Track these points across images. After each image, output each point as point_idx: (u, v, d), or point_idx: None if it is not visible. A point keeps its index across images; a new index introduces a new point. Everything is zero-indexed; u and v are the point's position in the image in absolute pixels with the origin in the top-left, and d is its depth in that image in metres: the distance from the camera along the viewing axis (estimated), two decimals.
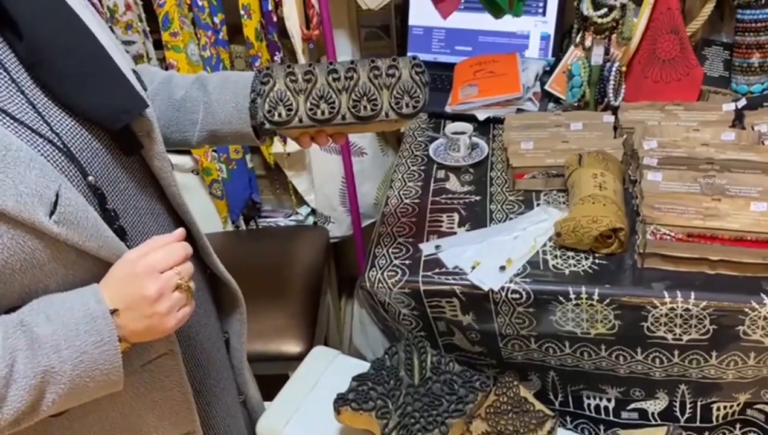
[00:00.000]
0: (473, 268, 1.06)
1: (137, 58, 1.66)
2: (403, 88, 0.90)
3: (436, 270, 1.08)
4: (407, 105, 0.90)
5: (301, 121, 0.88)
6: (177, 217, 0.83)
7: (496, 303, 1.05)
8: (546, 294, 1.03)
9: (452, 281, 1.06)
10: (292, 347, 1.39)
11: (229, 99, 0.89)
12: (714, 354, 1.03)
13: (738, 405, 1.10)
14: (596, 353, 1.07)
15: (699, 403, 1.10)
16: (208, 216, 1.75)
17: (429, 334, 1.14)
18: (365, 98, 0.89)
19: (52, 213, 0.60)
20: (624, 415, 1.15)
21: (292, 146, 1.71)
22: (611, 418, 1.16)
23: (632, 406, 1.13)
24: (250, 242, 1.74)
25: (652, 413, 1.13)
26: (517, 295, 1.03)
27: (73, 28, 0.69)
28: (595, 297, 1.01)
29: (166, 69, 1.71)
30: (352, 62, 0.91)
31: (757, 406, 1.11)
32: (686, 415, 1.11)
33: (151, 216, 0.78)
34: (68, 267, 0.65)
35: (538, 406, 0.95)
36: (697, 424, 1.12)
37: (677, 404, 1.11)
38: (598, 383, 1.12)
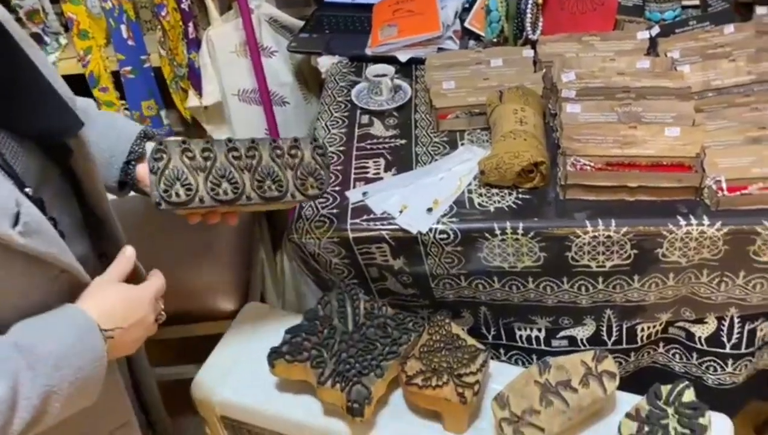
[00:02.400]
0: (401, 211, 1.06)
1: (32, 14, 1.54)
2: (306, 169, 0.91)
3: (364, 217, 1.07)
4: (312, 186, 0.91)
5: (202, 201, 0.84)
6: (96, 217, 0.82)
7: (425, 245, 1.05)
8: (473, 232, 1.03)
9: (381, 227, 1.05)
10: (226, 305, 1.36)
11: (106, 148, 0.86)
12: (636, 278, 1.06)
13: (660, 325, 1.16)
14: (524, 286, 1.10)
15: (624, 326, 1.14)
16: None
17: (362, 281, 1.14)
18: (270, 178, 0.88)
19: (14, 224, 0.59)
20: (554, 343, 1.18)
21: (209, 98, 1.65)
22: (542, 347, 1.19)
23: (562, 334, 1.17)
24: None
25: (581, 339, 1.17)
26: (445, 236, 1.03)
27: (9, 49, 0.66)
28: (520, 231, 1.02)
29: (65, 25, 1.61)
30: (252, 141, 0.89)
31: (678, 324, 1.16)
32: (613, 338, 1.16)
33: (76, 217, 0.78)
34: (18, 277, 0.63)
35: (470, 341, 0.97)
36: (624, 346, 1.17)
37: (604, 329, 1.15)
38: (527, 315, 1.15)
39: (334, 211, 1.08)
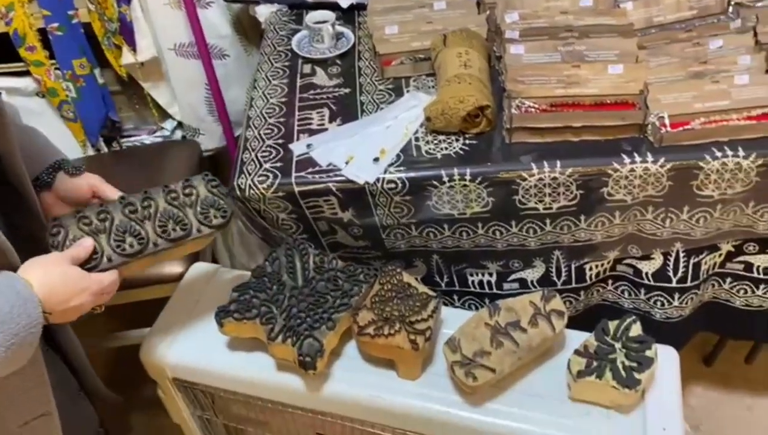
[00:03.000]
0: (347, 162, 1.03)
1: None
2: (205, 203, 0.92)
3: (310, 169, 1.04)
4: (215, 216, 0.91)
5: (110, 259, 0.85)
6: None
7: (373, 195, 1.03)
8: (421, 180, 1.02)
9: (327, 179, 1.03)
10: (173, 268, 1.33)
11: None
12: (582, 218, 1.07)
13: (608, 263, 1.17)
14: (474, 232, 1.09)
15: (573, 266, 1.16)
16: (64, 141, 1.60)
17: (311, 235, 1.12)
18: (172, 221, 0.89)
19: None
20: (505, 286, 1.19)
21: (145, 54, 1.58)
22: (494, 290, 1.20)
23: (512, 277, 1.18)
24: (114, 165, 1.62)
25: (531, 281, 1.18)
26: (393, 185, 1.02)
27: None
28: (468, 177, 1.01)
29: None
30: (145, 192, 0.91)
31: (626, 262, 1.18)
32: (562, 279, 1.17)
33: None
34: None
35: (422, 289, 0.97)
36: (573, 285, 1.18)
37: (553, 270, 1.16)
38: (478, 260, 1.16)
39: (278, 164, 1.06)
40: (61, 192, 0.89)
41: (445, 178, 1.02)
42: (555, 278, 1.17)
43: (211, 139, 1.73)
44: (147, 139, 1.72)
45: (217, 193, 0.93)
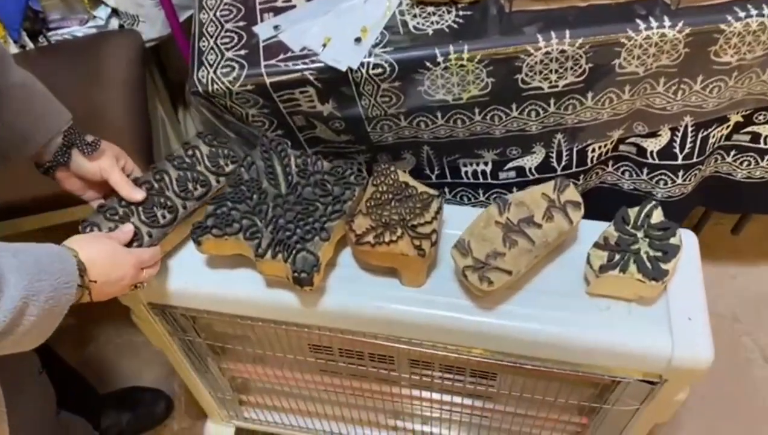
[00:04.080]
0: (324, 46, 0.89)
1: None
2: (212, 156, 0.90)
3: (281, 56, 0.89)
4: (226, 163, 0.90)
5: (150, 235, 0.83)
6: None
7: (357, 84, 0.90)
8: (411, 62, 0.89)
9: (302, 66, 0.88)
10: None
11: (19, 131, 0.77)
12: (590, 96, 0.96)
13: (611, 143, 1.09)
14: (470, 119, 0.98)
15: (575, 149, 1.07)
16: None
17: (286, 131, 0.99)
18: (190, 182, 0.88)
19: None
20: (502, 175, 1.10)
21: None
22: (489, 180, 1.11)
23: (509, 165, 1.09)
24: (43, 63, 1.41)
25: (529, 169, 1.09)
26: (380, 70, 0.88)
27: None
28: (465, 55, 0.89)
29: None
30: (153, 167, 0.89)
31: (629, 141, 1.09)
32: (563, 164, 1.09)
33: None
34: None
35: (421, 188, 0.86)
36: (573, 169, 1.10)
37: (554, 155, 1.07)
38: (473, 149, 1.05)
39: (243, 52, 0.90)
40: (74, 170, 0.83)
41: (440, 58, 0.88)
42: (555, 164, 1.08)
43: (152, 27, 1.52)
44: (78, 31, 1.50)
45: (218, 144, 0.90)
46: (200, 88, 0.89)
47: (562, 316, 0.82)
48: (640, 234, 0.82)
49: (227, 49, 0.91)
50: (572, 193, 0.84)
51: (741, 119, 1.08)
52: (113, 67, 1.36)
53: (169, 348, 1.05)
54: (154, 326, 0.98)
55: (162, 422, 1.40)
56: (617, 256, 0.80)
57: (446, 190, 1.14)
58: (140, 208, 0.85)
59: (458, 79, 0.91)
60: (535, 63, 0.90)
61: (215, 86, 0.89)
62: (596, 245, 0.82)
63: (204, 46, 0.92)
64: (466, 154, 1.06)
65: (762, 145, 1.12)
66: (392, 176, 0.87)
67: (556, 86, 0.94)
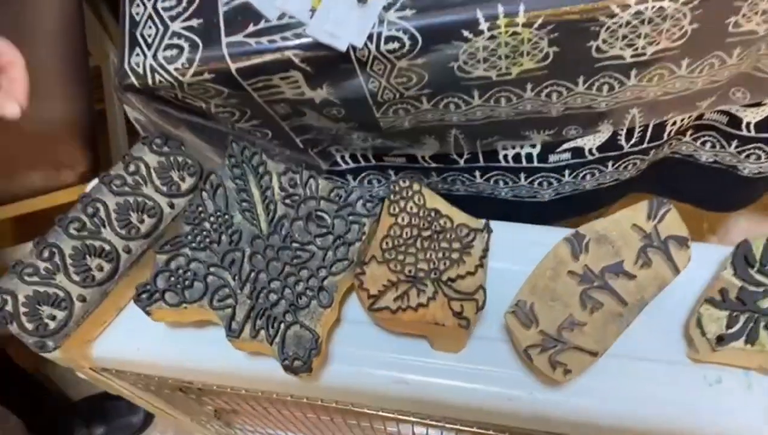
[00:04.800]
0: (313, 10, 0.60)
1: None
2: (162, 169, 0.65)
3: (250, 28, 0.61)
4: (182, 178, 0.65)
5: (84, 300, 0.60)
6: None
7: (363, 64, 0.62)
8: (442, 31, 0.61)
9: (282, 44, 0.60)
10: (69, 166, 0.92)
11: None
12: (685, 63, 0.69)
13: (697, 113, 0.82)
14: (519, 97, 0.71)
15: (651, 124, 0.80)
16: None
17: (264, 120, 0.72)
18: (133, 213, 0.64)
19: None
20: (552, 158, 0.84)
21: None
22: (536, 164, 0.85)
23: (564, 147, 0.82)
24: None
25: (590, 149, 0.83)
26: (397, 45, 0.60)
27: None
28: (520, 19, 0.60)
29: None
30: (83, 196, 0.64)
31: (721, 109, 0.83)
32: (633, 141, 0.82)
33: None
34: None
35: (458, 217, 0.61)
36: (644, 145, 0.84)
37: (623, 132, 0.81)
38: (519, 130, 0.79)
39: (195, 23, 0.62)
40: None
41: (483, 25, 0.60)
42: (623, 142, 0.82)
43: None
44: None
45: (170, 150, 0.65)
46: (135, 81, 0.61)
47: (656, 393, 0.60)
48: None
49: (172, 19, 0.62)
50: (675, 222, 0.59)
51: None
52: (42, 5, 1.05)
53: (131, 393, 0.84)
54: (106, 382, 0.76)
55: (141, 433, 1.22)
56: (741, 320, 0.57)
57: (477, 174, 0.88)
58: (67, 261, 0.60)
59: (508, 51, 0.63)
60: (619, 26, 0.62)
61: (157, 77, 0.61)
62: (710, 301, 0.58)
63: (138, 13, 0.62)
64: (509, 136, 0.80)
65: None
66: (416, 200, 0.61)
67: (643, 54, 0.66)
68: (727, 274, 0.59)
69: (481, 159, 0.85)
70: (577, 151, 0.83)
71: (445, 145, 0.81)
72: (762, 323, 0.56)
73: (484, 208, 0.96)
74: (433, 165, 0.87)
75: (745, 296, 0.57)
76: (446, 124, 0.76)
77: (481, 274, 0.58)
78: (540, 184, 0.88)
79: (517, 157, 0.84)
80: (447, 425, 0.67)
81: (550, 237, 0.63)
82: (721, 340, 0.56)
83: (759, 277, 0.58)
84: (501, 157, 0.84)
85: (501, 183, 0.90)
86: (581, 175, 0.86)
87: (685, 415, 0.59)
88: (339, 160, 0.85)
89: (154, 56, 0.60)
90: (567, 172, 0.86)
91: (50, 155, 0.91)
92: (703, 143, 0.90)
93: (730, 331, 0.56)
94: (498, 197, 0.93)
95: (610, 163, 0.85)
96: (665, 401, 0.59)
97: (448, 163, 0.86)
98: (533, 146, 0.82)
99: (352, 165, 0.87)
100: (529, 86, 0.69)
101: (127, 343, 0.65)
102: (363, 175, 0.89)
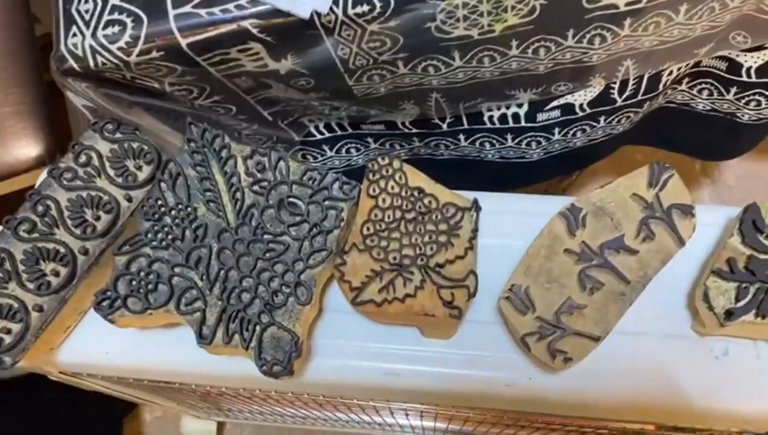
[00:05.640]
0: None
1: None
2: (116, 158, 0.59)
3: None
4: (139, 166, 0.59)
5: (41, 309, 0.54)
6: None
7: (330, 30, 0.56)
8: None
9: (237, 14, 0.53)
10: (25, 148, 0.85)
11: None
12: (683, 9, 0.63)
13: (694, 60, 0.76)
14: (503, 55, 0.65)
15: (646, 76, 0.75)
16: None
17: (226, 96, 0.66)
18: (88, 209, 0.57)
19: None
20: (541, 117, 0.79)
21: None
22: (523, 124, 0.80)
23: (553, 104, 0.77)
24: None
25: (581, 105, 0.77)
26: (366, 8, 0.54)
27: None
28: None
29: None
30: (30, 194, 0.57)
31: (720, 54, 0.77)
32: (627, 94, 0.77)
33: None
34: None
35: (443, 195, 0.56)
36: (639, 98, 0.78)
37: (616, 86, 0.75)
38: (504, 91, 0.73)
39: None
40: None
41: None
42: (616, 95, 0.77)
43: None
44: None
45: (123, 136, 0.59)
46: (75, 65, 0.54)
47: (662, 369, 0.56)
48: None
49: None
50: (677, 189, 0.55)
51: None
52: None
53: (110, 390, 0.80)
54: (77, 380, 0.72)
55: (129, 413, 1.18)
56: (751, 292, 0.53)
57: (461, 137, 0.83)
58: (18, 267, 0.55)
59: (490, 7, 0.57)
60: None
61: (99, 59, 0.54)
62: (716, 273, 0.54)
63: None
64: (494, 97, 0.74)
65: None
66: (397, 179, 0.56)
67: (638, 1, 0.60)
68: (734, 241, 0.54)
69: (465, 122, 0.79)
70: (567, 108, 0.77)
71: (426, 109, 0.75)
72: None
73: (469, 171, 0.91)
74: (415, 130, 0.81)
75: (754, 265, 0.53)
76: (426, 88, 0.70)
77: (472, 257, 0.54)
78: (528, 144, 0.83)
79: (503, 118, 0.79)
80: (441, 412, 0.64)
81: (542, 206, 0.59)
82: (730, 314, 0.52)
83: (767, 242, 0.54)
84: (486, 118, 0.79)
85: (487, 145, 0.84)
86: (572, 132, 0.81)
87: (693, 390, 0.56)
88: (313, 130, 0.80)
89: (93, 35, 0.53)
90: (557, 130, 0.81)
91: None
92: (700, 91, 0.85)
93: (740, 304, 0.52)
94: (485, 160, 0.88)
95: (602, 119, 0.80)
96: (671, 377, 0.56)
97: (430, 127, 0.80)
98: (520, 106, 0.76)
99: (327, 135, 0.81)
100: (514, 43, 0.63)
101: (94, 348, 0.60)
102: (340, 144, 0.84)
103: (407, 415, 0.75)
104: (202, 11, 0.53)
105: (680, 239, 0.53)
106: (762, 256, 0.53)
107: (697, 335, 0.57)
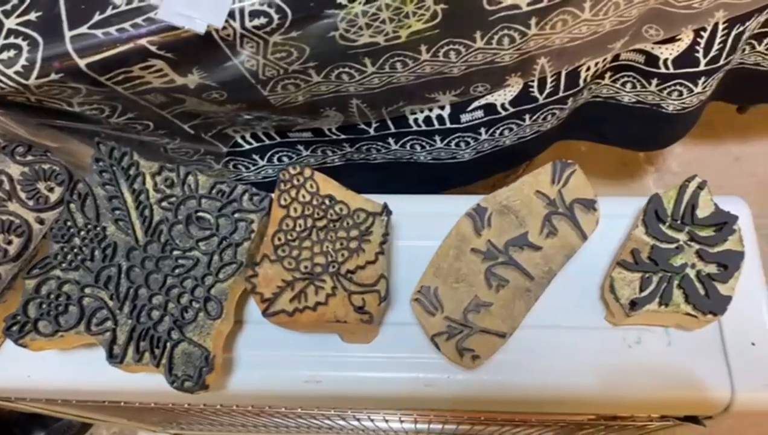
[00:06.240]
0: None
1: None
2: (27, 180, 0.59)
3: (96, 18, 0.54)
4: (50, 188, 0.60)
5: None
6: None
7: (230, 43, 0.56)
8: (312, 2, 0.55)
9: (134, 33, 0.53)
10: None
11: None
12: (587, 5, 0.64)
13: (611, 55, 0.78)
14: (415, 60, 0.66)
15: (564, 72, 0.76)
16: None
17: (140, 112, 0.66)
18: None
19: None
20: (465, 118, 0.80)
21: None
22: (448, 125, 0.81)
23: (474, 105, 0.78)
24: None
25: (502, 105, 0.78)
26: (264, 20, 0.54)
27: None
28: None
29: None
30: None
31: (635, 48, 0.79)
32: (547, 91, 0.78)
33: None
34: None
35: (355, 202, 0.56)
36: (560, 94, 0.80)
37: (535, 84, 0.76)
38: (423, 94, 0.74)
39: (34, 16, 0.54)
40: None
41: None
42: (536, 93, 0.78)
43: None
44: None
45: (34, 158, 0.59)
46: None
47: (577, 360, 0.57)
48: (682, 237, 0.55)
49: (7, 14, 0.55)
50: (580, 184, 0.56)
51: None
52: None
53: (50, 411, 0.79)
54: (15, 407, 0.71)
55: (85, 431, 1.18)
56: (654, 281, 0.54)
57: (391, 141, 0.84)
58: None
59: (391, 14, 0.58)
60: None
61: None
62: (621, 264, 0.55)
63: None
64: (414, 101, 0.75)
65: None
66: (308, 187, 0.57)
67: (540, 0, 0.61)
68: (638, 232, 0.56)
69: (391, 126, 0.80)
70: (490, 108, 0.79)
71: (349, 115, 0.76)
72: (675, 282, 0.54)
73: (407, 173, 0.92)
74: (343, 136, 0.82)
75: (657, 255, 0.54)
76: (344, 94, 0.70)
77: (383, 262, 0.55)
78: (457, 144, 0.84)
79: (428, 120, 0.79)
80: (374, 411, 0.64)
81: (458, 206, 0.59)
82: (634, 304, 0.53)
83: (671, 233, 0.55)
84: (411, 121, 0.80)
85: (418, 147, 0.85)
86: (498, 131, 0.82)
87: (607, 379, 0.57)
88: (240, 140, 0.80)
89: None
90: (483, 129, 0.82)
91: None
92: (624, 84, 0.86)
93: (643, 294, 0.53)
94: (418, 162, 0.89)
95: (527, 117, 0.81)
96: (586, 367, 0.57)
97: (357, 133, 0.80)
98: (442, 108, 0.77)
99: (255, 144, 0.81)
100: (423, 48, 0.64)
101: (16, 371, 0.60)
102: (270, 153, 0.84)
103: (357, 418, 0.76)
104: (98, 32, 0.53)
105: (583, 234, 0.54)
106: (664, 246, 0.55)
107: (610, 326, 0.59)
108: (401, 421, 0.76)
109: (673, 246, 0.55)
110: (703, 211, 0.56)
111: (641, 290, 0.54)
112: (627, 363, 0.57)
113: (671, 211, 0.56)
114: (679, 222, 0.55)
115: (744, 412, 0.57)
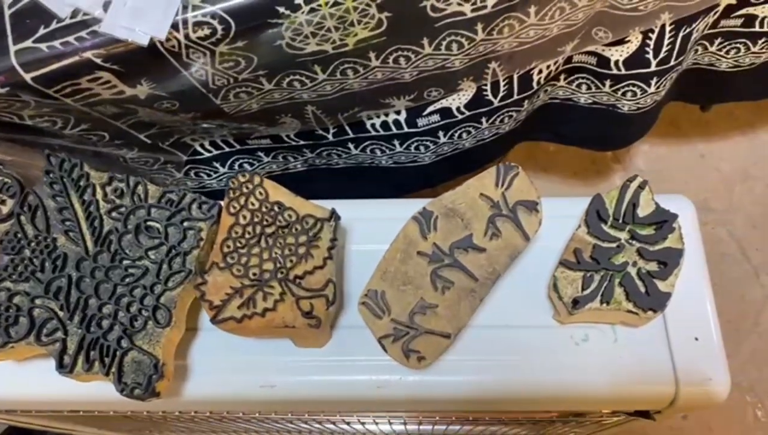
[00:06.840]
0: (106, 5, 0.54)
1: None
2: None
3: (41, 32, 0.54)
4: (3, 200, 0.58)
5: None
6: None
7: (176, 54, 0.57)
8: (254, 11, 0.55)
9: (78, 46, 0.54)
10: None
11: None
12: (533, 11, 0.65)
13: (563, 58, 0.79)
14: (365, 66, 0.67)
15: (516, 76, 0.77)
16: None
17: (94, 123, 0.66)
18: None
19: None
20: (422, 122, 0.81)
21: None
22: (406, 129, 0.82)
23: (430, 109, 0.79)
24: None
25: (458, 108, 0.80)
26: (208, 31, 0.55)
27: None
28: None
29: None
30: None
31: (587, 50, 0.80)
32: (501, 94, 0.79)
33: None
34: None
35: (303, 208, 0.57)
36: (515, 97, 0.81)
37: (488, 87, 0.78)
38: (377, 99, 0.75)
39: None
40: None
41: (299, 0, 0.56)
42: (490, 96, 0.79)
43: None
44: None
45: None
46: None
47: (525, 359, 0.59)
48: (623, 236, 0.57)
49: None
50: (523, 187, 0.57)
51: (734, 1, 0.80)
52: None
53: (28, 423, 0.79)
54: None
55: None
56: (596, 280, 0.55)
57: (351, 146, 0.85)
58: None
59: (335, 22, 0.59)
60: None
61: None
62: (564, 264, 0.56)
63: None
64: (369, 106, 0.76)
65: (756, 29, 0.84)
66: (257, 195, 0.58)
67: (484, 6, 0.62)
68: (581, 232, 0.57)
69: (349, 131, 0.81)
70: (446, 112, 0.80)
71: (306, 122, 0.77)
72: (616, 280, 0.55)
73: (369, 178, 0.93)
74: (302, 142, 0.82)
75: (598, 254, 0.56)
76: (299, 101, 0.71)
77: (331, 267, 0.55)
78: (417, 148, 0.85)
79: (385, 125, 0.80)
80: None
81: (410, 210, 0.60)
82: (576, 302, 0.54)
83: (612, 232, 0.56)
84: (369, 126, 0.81)
85: (378, 151, 0.86)
86: (457, 134, 0.84)
87: (553, 376, 0.58)
88: (199, 148, 0.80)
89: None
90: (441, 133, 0.83)
91: None
92: (579, 85, 0.88)
93: (585, 292, 0.55)
94: (380, 166, 0.90)
95: (484, 120, 0.82)
96: (533, 366, 0.58)
97: (316, 139, 0.81)
98: (398, 113, 0.78)
99: (215, 152, 0.82)
100: (372, 55, 0.65)
101: None
102: (231, 160, 0.85)
103: (333, 422, 0.77)
104: (43, 45, 0.53)
105: (525, 235, 0.55)
106: (605, 245, 0.56)
107: (558, 324, 0.60)
108: (376, 423, 0.77)
109: (614, 245, 0.56)
110: (644, 210, 0.57)
111: (583, 289, 0.55)
112: (575, 360, 0.59)
113: (613, 210, 0.57)
114: (620, 221, 0.57)
115: (689, 407, 0.59)
